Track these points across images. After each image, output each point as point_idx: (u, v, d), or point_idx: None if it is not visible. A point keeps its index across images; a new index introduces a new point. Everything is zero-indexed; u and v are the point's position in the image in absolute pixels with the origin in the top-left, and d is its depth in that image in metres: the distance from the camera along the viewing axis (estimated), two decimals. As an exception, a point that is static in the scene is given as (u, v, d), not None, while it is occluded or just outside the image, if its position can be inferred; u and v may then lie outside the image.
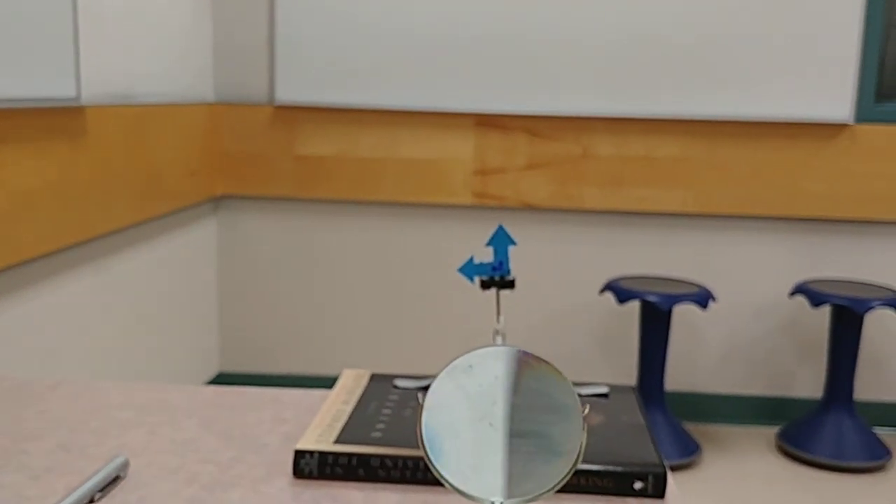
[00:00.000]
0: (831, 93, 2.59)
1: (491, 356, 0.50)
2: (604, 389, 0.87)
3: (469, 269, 0.87)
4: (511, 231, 2.76)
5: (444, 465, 0.50)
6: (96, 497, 0.68)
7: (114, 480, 0.70)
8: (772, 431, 2.87)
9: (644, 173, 2.70)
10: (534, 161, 2.71)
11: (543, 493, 0.49)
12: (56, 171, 1.84)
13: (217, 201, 2.84)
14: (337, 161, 2.75)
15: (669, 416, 2.62)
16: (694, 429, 2.85)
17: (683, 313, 2.85)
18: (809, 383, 2.88)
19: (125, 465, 0.72)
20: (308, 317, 2.89)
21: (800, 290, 2.59)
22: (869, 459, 2.57)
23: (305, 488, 0.71)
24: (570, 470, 0.49)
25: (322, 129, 2.74)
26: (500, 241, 0.90)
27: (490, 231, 2.74)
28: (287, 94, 2.70)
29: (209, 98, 2.75)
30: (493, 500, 0.49)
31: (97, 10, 2.04)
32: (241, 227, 2.85)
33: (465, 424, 0.50)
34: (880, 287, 2.63)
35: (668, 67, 2.61)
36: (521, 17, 2.62)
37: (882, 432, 2.85)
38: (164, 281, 2.47)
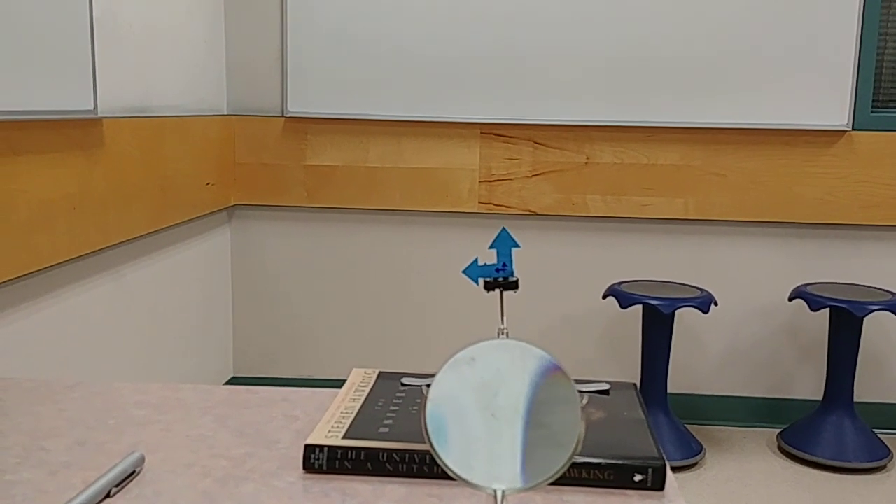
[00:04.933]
0: (829, 100, 2.62)
1: (493, 348, 0.53)
2: (605, 386, 0.90)
3: (473, 271, 0.90)
4: (516, 238, 2.79)
5: (447, 455, 0.52)
6: (112, 492, 0.71)
7: (130, 475, 0.73)
8: (773, 432, 2.89)
9: (645, 180, 2.73)
10: (538, 169, 2.74)
11: (544, 481, 0.52)
12: (74, 182, 1.88)
13: (231, 210, 2.88)
14: (346, 170, 2.79)
15: (672, 418, 2.65)
16: (696, 430, 2.87)
17: (685, 317, 2.88)
18: (810, 385, 2.90)
19: (141, 461, 0.75)
20: (319, 322, 2.92)
21: (799, 294, 2.61)
22: (869, 460, 2.59)
23: (315, 482, 0.73)
24: (570, 458, 0.52)
25: (332, 140, 2.78)
26: (504, 243, 0.93)
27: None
28: (298, 105, 2.74)
29: (223, 110, 2.79)
30: (495, 488, 0.52)
31: (113, 27, 2.08)
32: (253, 235, 2.89)
33: (468, 415, 0.53)
34: (878, 290, 2.65)
35: (667, 77, 2.64)
36: (524, 30, 2.66)
37: (882, 433, 2.86)
38: (180, 288, 2.51)
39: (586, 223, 2.80)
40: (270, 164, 2.81)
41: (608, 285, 2.84)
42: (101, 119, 2.00)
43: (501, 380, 0.52)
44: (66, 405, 0.89)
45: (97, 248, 2.01)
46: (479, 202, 2.77)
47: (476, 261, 0.90)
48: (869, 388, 2.87)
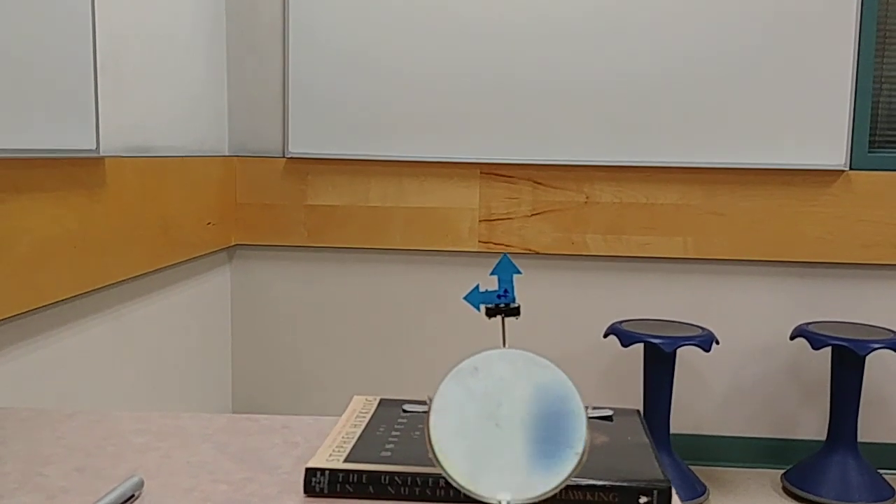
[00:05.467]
0: (826, 141, 2.64)
1: (496, 358, 0.52)
2: (608, 412, 0.89)
3: (475, 298, 0.90)
4: (516, 278, 2.79)
5: (451, 466, 0.52)
6: (114, 514, 0.70)
7: (129, 499, 0.72)
8: (777, 473, 2.85)
9: (645, 220, 2.74)
10: (538, 209, 2.75)
11: (550, 491, 0.51)
12: (76, 220, 1.89)
13: (231, 250, 2.88)
14: (347, 210, 2.80)
15: (675, 458, 2.62)
16: (700, 471, 2.84)
17: (686, 357, 2.86)
18: (813, 425, 2.87)
19: (140, 485, 0.74)
20: (319, 362, 2.91)
21: (800, 332, 2.61)
22: (874, 500, 2.55)
23: (317, 505, 0.72)
24: (577, 467, 0.51)
25: (332, 180, 2.80)
26: (505, 269, 0.93)
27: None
28: (299, 146, 2.76)
29: (224, 151, 2.81)
30: (500, 499, 0.51)
31: (116, 68, 2.11)
32: (254, 275, 2.89)
33: (471, 425, 0.52)
34: (880, 329, 2.64)
35: (666, 117, 2.67)
36: (523, 71, 2.69)
37: (887, 474, 2.83)
38: (179, 328, 2.50)
39: (586, 262, 2.81)
40: (271, 204, 2.82)
41: (609, 324, 2.83)
42: (102, 158, 2.01)
43: (505, 389, 0.52)
44: (64, 433, 0.89)
45: (98, 287, 2.01)
46: (480, 241, 2.77)
47: (477, 287, 0.90)
48: (873, 428, 2.85)
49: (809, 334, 2.57)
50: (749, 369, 2.85)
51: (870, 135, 2.73)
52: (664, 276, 2.80)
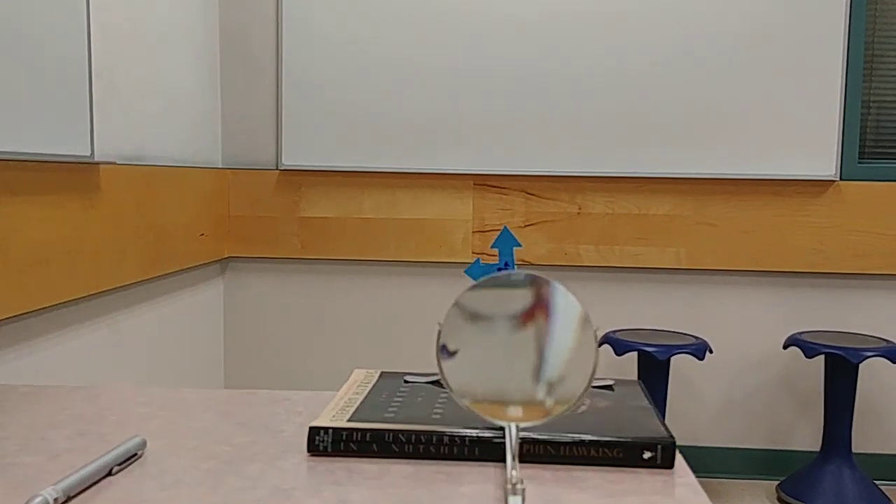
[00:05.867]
0: (817, 151, 2.67)
1: (503, 280, 0.53)
2: (609, 382, 0.90)
3: (475, 271, 0.90)
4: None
5: (460, 390, 0.52)
6: (115, 470, 0.70)
7: (132, 457, 0.72)
8: (772, 484, 2.84)
9: (637, 230, 2.75)
10: (530, 220, 2.76)
11: (557, 415, 0.51)
12: (70, 225, 1.89)
13: (224, 263, 2.88)
14: (340, 222, 2.81)
15: (673, 473, 2.60)
16: (699, 488, 2.82)
17: (680, 368, 2.86)
18: (808, 435, 2.87)
19: (143, 445, 0.74)
20: (312, 375, 2.89)
21: (793, 341, 2.61)
22: (874, 504, 2.55)
23: (321, 462, 0.72)
24: (585, 390, 0.52)
25: (326, 192, 2.80)
26: (505, 242, 0.93)
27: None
28: (292, 158, 2.77)
29: (217, 163, 2.81)
30: (508, 422, 0.51)
31: (111, 79, 2.12)
32: (247, 287, 2.88)
33: (480, 349, 0.52)
34: (873, 338, 2.65)
35: (658, 129, 2.69)
36: (516, 83, 2.72)
37: (882, 484, 2.82)
38: (172, 338, 2.49)
39: (579, 273, 2.81)
40: (264, 216, 2.83)
41: (602, 334, 2.83)
42: (97, 164, 2.02)
43: (513, 311, 0.52)
44: (66, 404, 0.88)
45: (92, 293, 2.00)
46: (473, 252, 2.78)
47: (478, 261, 0.90)
48: (868, 439, 2.85)
49: (802, 343, 2.58)
50: (742, 379, 2.85)
51: (860, 145, 2.76)
52: (657, 287, 2.81)
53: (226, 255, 2.83)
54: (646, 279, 2.80)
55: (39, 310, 1.81)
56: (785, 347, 2.65)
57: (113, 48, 2.14)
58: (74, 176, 1.91)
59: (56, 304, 1.87)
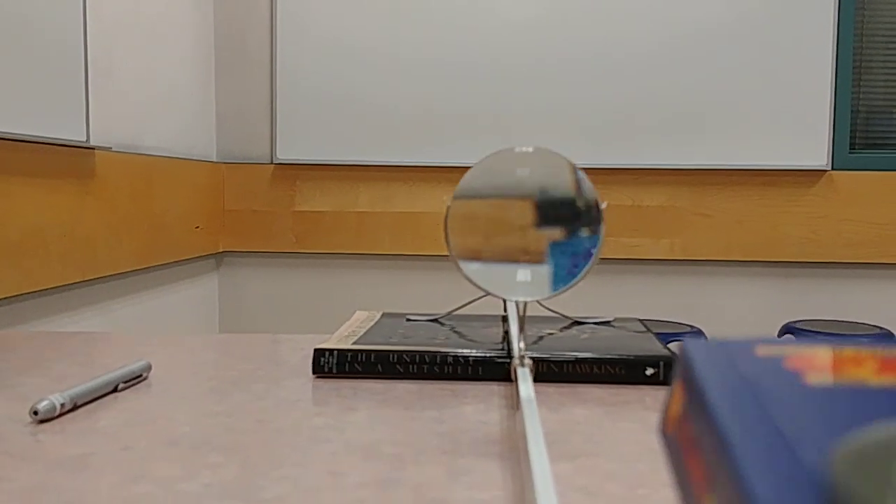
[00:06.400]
0: (808, 141, 2.69)
1: (513, 158, 0.53)
2: (609, 319, 0.90)
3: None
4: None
5: (469, 265, 0.52)
6: (120, 387, 0.70)
7: (138, 377, 0.72)
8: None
9: (632, 222, 2.76)
10: (526, 212, 2.77)
11: (564, 289, 0.52)
12: (65, 209, 1.89)
13: (219, 257, 2.87)
14: (335, 216, 2.81)
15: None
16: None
17: (679, 362, 2.86)
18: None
19: (148, 368, 0.74)
20: (305, 374, 2.88)
21: (789, 329, 2.62)
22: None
23: (326, 382, 0.72)
24: (592, 263, 0.52)
25: (321, 186, 2.81)
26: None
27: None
28: (287, 153, 2.78)
29: (212, 157, 2.82)
30: (515, 298, 0.52)
31: (107, 66, 2.13)
32: (242, 282, 2.87)
33: (488, 225, 0.53)
34: (865, 325, 2.66)
35: (652, 120, 2.71)
36: (510, 76, 2.74)
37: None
38: (166, 331, 2.48)
39: (574, 264, 2.82)
40: (259, 210, 2.83)
41: (598, 328, 2.83)
42: (93, 149, 2.02)
43: (522, 189, 0.53)
44: (67, 344, 0.88)
45: (87, 279, 2.00)
46: (468, 244, 2.79)
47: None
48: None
49: (797, 331, 2.58)
50: (738, 371, 2.85)
51: (850, 135, 2.78)
52: (652, 278, 2.81)
53: (221, 250, 2.83)
54: (641, 270, 2.81)
55: (33, 292, 1.81)
56: (779, 336, 2.66)
57: (109, 40, 2.14)
58: (70, 159, 1.91)
59: (50, 288, 1.87)
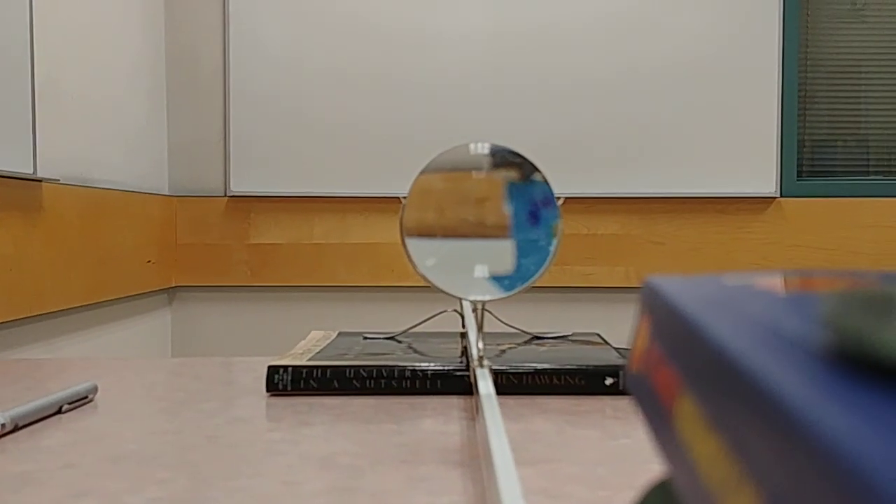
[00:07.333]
0: (757, 169, 2.75)
1: (469, 154, 0.53)
2: (568, 333, 0.90)
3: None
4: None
5: (426, 267, 0.52)
6: (64, 408, 0.67)
7: (83, 398, 0.70)
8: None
9: (587, 250, 2.78)
10: (483, 241, 2.77)
11: (521, 289, 0.51)
12: (10, 243, 1.84)
13: (172, 292, 2.82)
14: (291, 248, 2.78)
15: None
16: None
17: (637, 390, 2.87)
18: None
19: (94, 389, 0.71)
20: (260, 410, 2.83)
21: (747, 355, 2.65)
22: None
23: (281, 399, 0.71)
24: (549, 262, 0.52)
25: (276, 218, 2.78)
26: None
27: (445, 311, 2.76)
28: (241, 185, 2.75)
29: (164, 190, 2.78)
30: (472, 297, 0.51)
31: (55, 94, 2.09)
32: (196, 317, 2.82)
33: (444, 223, 0.52)
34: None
35: (605, 150, 2.75)
36: (464, 108, 2.76)
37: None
38: (113, 369, 2.41)
39: (531, 293, 2.82)
40: (213, 244, 2.79)
41: (556, 357, 2.83)
42: (40, 182, 1.98)
43: (479, 186, 0.52)
44: (10, 371, 0.85)
45: (34, 314, 1.94)
46: (425, 275, 2.78)
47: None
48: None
49: (751, 356, 2.61)
50: (695, 398, 2.87)
51: (798, 164, 2.84)
52: (608, 305, 2.83)
53: (173, 284, 2.78)
54: (596, 298, 2.82)
55: (-21, 328, 1.75)
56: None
57: (57, 70, 2.11)
58: (15, 192, 1.87)
59: (-4, 323, 1.81)
